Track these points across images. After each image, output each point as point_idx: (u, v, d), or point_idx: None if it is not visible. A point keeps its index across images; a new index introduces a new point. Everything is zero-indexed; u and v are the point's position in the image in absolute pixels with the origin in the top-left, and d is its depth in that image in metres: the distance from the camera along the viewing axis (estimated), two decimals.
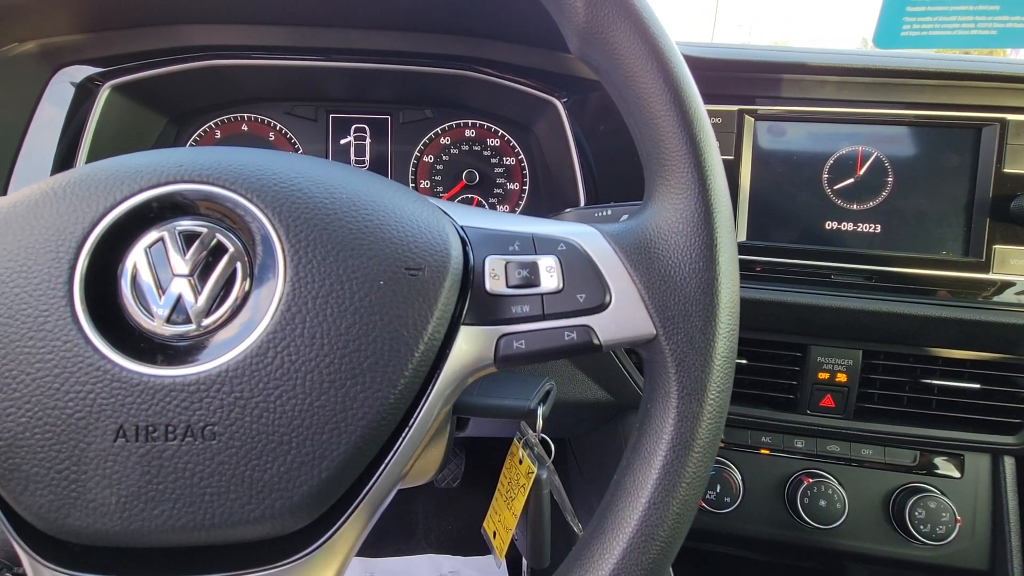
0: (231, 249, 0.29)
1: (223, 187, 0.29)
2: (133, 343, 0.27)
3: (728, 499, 0.68)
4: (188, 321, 0.28)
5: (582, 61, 0.36)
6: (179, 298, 0.28)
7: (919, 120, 0.63)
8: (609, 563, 0.29)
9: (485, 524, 0.61)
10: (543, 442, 0.57)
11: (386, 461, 0.30)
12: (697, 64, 0.32)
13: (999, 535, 0.67)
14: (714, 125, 0.60)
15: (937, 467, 0.69)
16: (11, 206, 0.29)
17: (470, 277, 0.33)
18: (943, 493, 0.67)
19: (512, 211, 0.81)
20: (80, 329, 0.27)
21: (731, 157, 0.65)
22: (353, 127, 0.79)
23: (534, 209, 0.80)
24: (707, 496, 0.69)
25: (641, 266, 0.32)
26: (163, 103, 0.71)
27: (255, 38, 0.66)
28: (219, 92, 0.73)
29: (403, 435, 0.30)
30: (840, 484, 0.67)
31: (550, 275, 0.33)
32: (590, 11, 0.32)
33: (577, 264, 0.33)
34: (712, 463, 0.30)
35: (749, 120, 0.65)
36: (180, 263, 0.29)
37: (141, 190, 0.29)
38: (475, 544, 1.20)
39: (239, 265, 0.29)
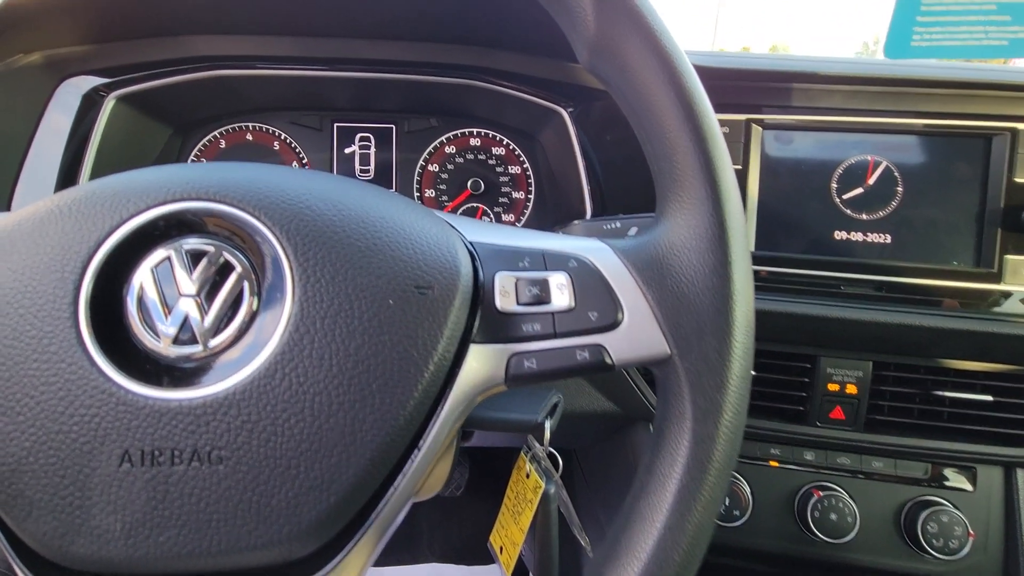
0: (238, 268, 0.29)
1: (230, 205, 0.29)
2: (139, 365, 0.27)
3: (737, 512, 0.67)
4: (195, 342, 0.28)
5: (592, 73, 0.35)
6: (185, 318, 0.28)
7: (929, 129, 0.63)
8: None
9: (492, 538, 0.60)
10: (551, 456, 0.56)
11: (396, 483, 0.29)
12: (705, 73, 0.31)
13: (1012, 549, 0.66)
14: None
15: (949, 480, 0.68)
16: (16, 224, 0.29)
17: (480, 294, 0.32)
18: (955, 506, 0.66)
19: (517, 220, 0.80)
20: (85, 351, 0.26)
21: (739, 167, 0.64)
22: (358, 136, 0.79)
23: (540, 218, 0.80)
24: None
25: (654, 283, 0.31)
26: (168, 113, 0.71)
27: (260, 48, 0.66)
28: (224, 102, 0.73)
29: (413, 456, 0.30)
30: (851, 497, 0.66)
31: (561, 292, 0.32)
32: (601, 24, 0.32)
33: (588, 281, 0.32)
34: (728, 485, 0.30)
35: (757, 129, 0.65)
36: (187, 282, 0.28)
37: (147, 208, 0.29)
38: (479, 554, 1.19)
39: (246, 284, 0.29)
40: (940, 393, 0.65)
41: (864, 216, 0.63)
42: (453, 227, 0.35)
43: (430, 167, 0.80)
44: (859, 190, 0.63)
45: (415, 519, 1.15)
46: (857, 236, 0.63)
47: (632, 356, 0.31)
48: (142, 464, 0.26)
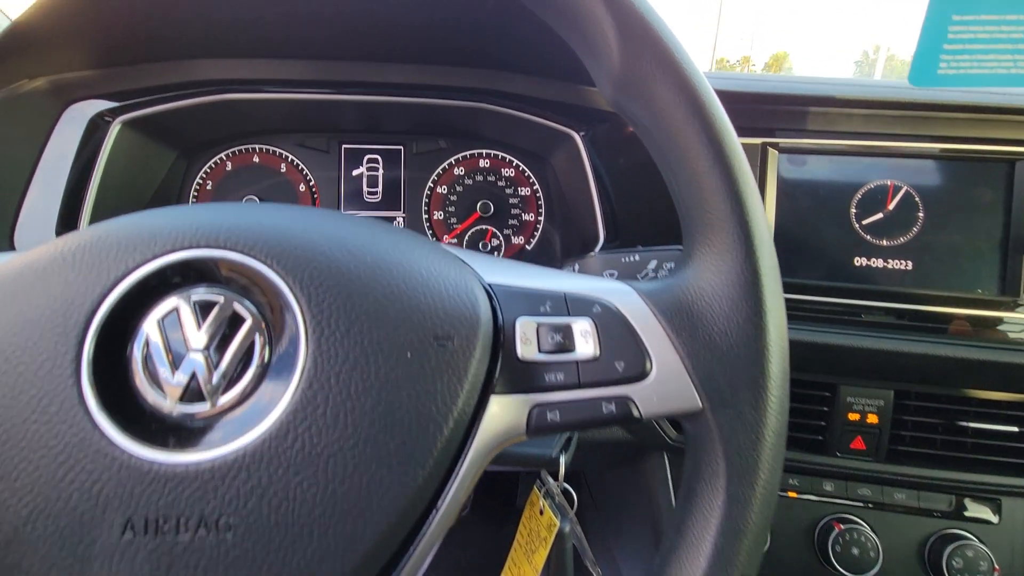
0: (249, 320, 0.27)
1: (241, 252, 0.28)
2: (144, 425, 0.26)
3: None
4: (203, 399, 0.26)
5: (615, 110, 0.34)
6: (193, 374, 0.26)
7: (950, 154, 0.61)
8: None
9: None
10: (565, 493, 0.54)
11: (414, 544, 0.28)
12: (721, 97, 0.30)
13: None
14: None
15: (973, 512, 0.66)
16: (17, 273, 0.28)
17: (500, 341, 0.31)
18: (980, 540, 0.64)
19: (527, 242, 0.79)
20: (87, 412, 0.25)
21: None
22: (366, 158, 0.78)
23: (550, 241, 0.79)
24: None
25: (683, 332, 0.30)
26: (174, 137, 0.70)
27: (268, 72, 0.65)
28: (231, 124, 0.72)
29: (432, 516, 0.28)
30: (873, 530, 0.64)
31: (585, 340, 0.31)
32: (626, 60, 0.31)
33: (614, 328, 0.31)
34: (763, 549, 0.28)
35: (773, 153, 0.63)
36: (195, 336, 0.27)
37: (154, 256, 0.27)
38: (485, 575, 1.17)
39: (258, 337, 0.27)
40: (964, 423, 0.63)
41: (885, 242, 0.62)
42: (470, 267, 0.34)
43: (439, 189, 0.78)
44: (879, 215, 0.62)
45: None
46: (878, 262, 0.62)
47: (661, 409, 0.30)
48: (145, 533, 0.24)
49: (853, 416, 0.64)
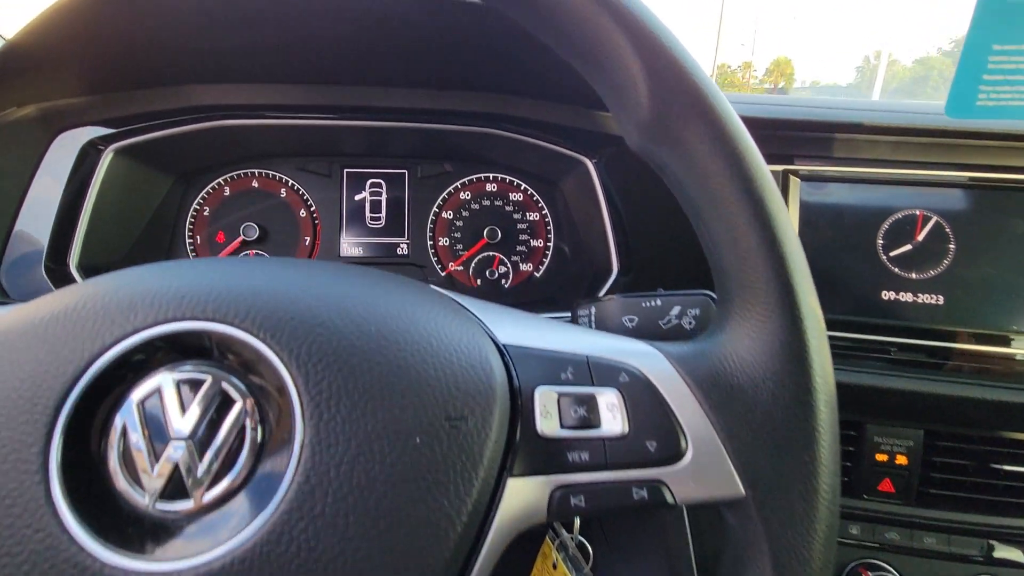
0: (239, 403, 0.24)
1: (230, 324, 0.25)
2: (119, 527, 0.23)
3: None
4: (186, 495, 0.23)
5: (641, 155, 0.31)
6: (176, 467, 0.23)
7: (982, 182, 0.58)
8: None
9: None
10: (580, 546, 0.51)
11: None
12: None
13: None
14: None
15: (1006, 558, 0.62)
16: None
17: (518, 414, 0.28)
18: None
19: (536, 269, 0.76)
20: (55, 514, 0.22)
21: None
22: (368, 182, 0.75)
23: (559, 268, 0.76)
24: None
25: (723, 409, 0.27)
26: (170, 163, 0.67)
27: (267, 97, 0.63)
28: (228, 150, 0.69)
29: None
30: None
31: (612, 414, 0.28)
32: (657, 106, 0.28)
33: (643, 401, 0.28)
34: None
35: (795, 181, 0.61)
36: (179, 421, 0.24)
37: (134, 330, 0.25)
38: None
39: (248, 422, 0.24)
40: (997, 466, 0.60)
41: (914, 275, 0.59)
42: (483, 326, 0.31)
43: (444, 214, 0.76)
44: (908, 247, 0.59)
45: None
46: (907, 296, 0.59)
47: (698, 496, 0.27)
48: None
49: (881, 457, 0.61)
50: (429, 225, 0.75)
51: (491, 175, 0.76)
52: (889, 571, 0.61)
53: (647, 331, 0.42)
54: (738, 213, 0.27)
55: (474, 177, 0.76)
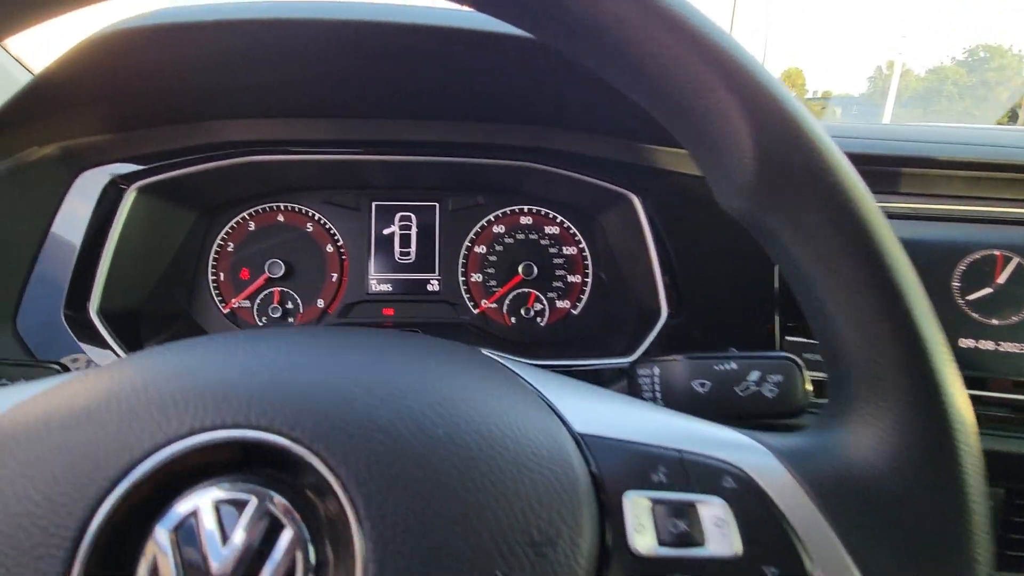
0: (290, 531, 0.21)
1: (279, 434, 0.21)
2: None
3: None
4: None
5: (740, 221, 0.27)
6: None
7: None
8: None
9: None
10: None
11: None
12: None
13: None
14: None
15: None
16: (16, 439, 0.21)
17: (606, 525, 0.24)
18: None
19: (573, 306, 0.72)
20: None
21: None
22: (398, 215, 0.72)
23: (598, 305, 0.71)
24: None
25: (855, 531, 0.23)
26: (194, 198, 0.65)
27: (294, 132, 0.60)
28: (254, 184, 0.67)
29: None
30: None
31: (720, 532, 0.23)
32: (767, 170, 0.24)
33: (755, 514, 0.24)
34: None
35: None
36: (219, 554, 0.20)
37: (167, 441, 0.21)
38: None
39: (299, 557, 0.20)
40: None
41: (995, 321, 0.54)
42: (558, 416, 0.27)
43: (476, 248, 0.72)
44: (987, 290, 0.54)
45: None
46: (987, 345, 0.54)
47: None
48: None
49: None
50: (461, 260, 0.72)
51: (525, 207, 0.72)
52: None
53: (721, 398, 0.38)
54: (863, 294, 0.23)
55: (508, 210, 0.72)
